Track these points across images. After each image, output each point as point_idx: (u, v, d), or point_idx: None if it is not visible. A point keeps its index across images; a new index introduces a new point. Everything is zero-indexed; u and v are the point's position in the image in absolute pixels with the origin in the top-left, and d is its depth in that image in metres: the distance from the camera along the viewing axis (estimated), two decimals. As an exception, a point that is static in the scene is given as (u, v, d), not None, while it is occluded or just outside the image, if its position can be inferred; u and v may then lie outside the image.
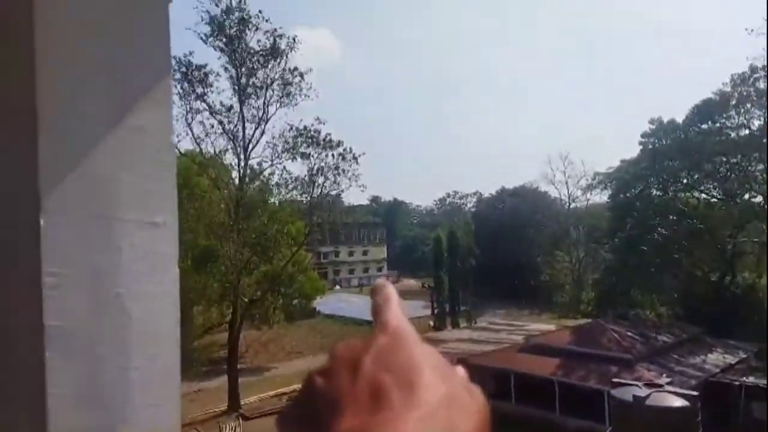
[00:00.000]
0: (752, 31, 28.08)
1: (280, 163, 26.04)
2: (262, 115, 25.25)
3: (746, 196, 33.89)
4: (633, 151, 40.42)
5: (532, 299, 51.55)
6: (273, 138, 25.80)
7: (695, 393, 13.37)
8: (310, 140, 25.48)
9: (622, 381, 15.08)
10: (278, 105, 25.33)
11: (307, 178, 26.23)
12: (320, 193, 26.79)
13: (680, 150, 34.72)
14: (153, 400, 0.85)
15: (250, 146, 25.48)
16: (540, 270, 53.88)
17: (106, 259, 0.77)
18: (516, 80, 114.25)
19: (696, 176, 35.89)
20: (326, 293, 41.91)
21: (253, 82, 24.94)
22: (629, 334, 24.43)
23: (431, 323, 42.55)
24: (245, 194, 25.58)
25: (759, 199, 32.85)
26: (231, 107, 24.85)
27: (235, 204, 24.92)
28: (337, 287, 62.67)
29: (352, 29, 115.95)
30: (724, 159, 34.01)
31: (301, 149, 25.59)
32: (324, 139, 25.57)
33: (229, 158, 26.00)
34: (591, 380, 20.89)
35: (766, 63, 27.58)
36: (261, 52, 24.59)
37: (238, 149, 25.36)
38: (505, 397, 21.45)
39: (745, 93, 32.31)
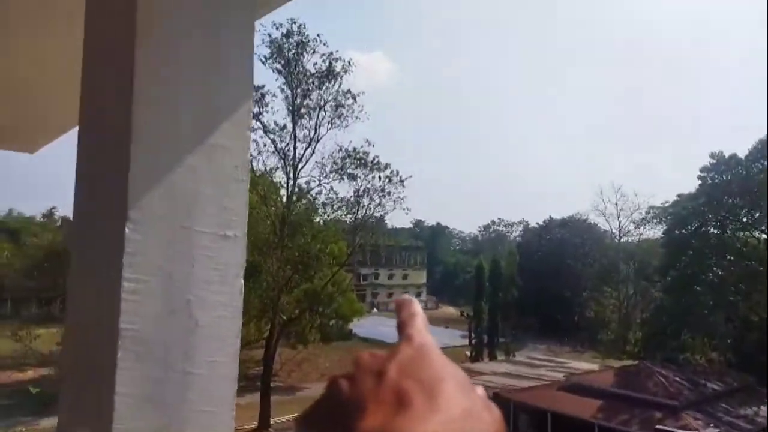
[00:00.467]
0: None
1: (328, 183, 26.48)
2: (314, 135, 25.85)
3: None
4: (691, 185, 39.08)
5: (575, 336, 49.90)
6: (322, 158, 26.33)
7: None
8: (358, 161, 25.83)
9: (667, 428, 14.35)
10: (329, 126, 25.88)
11: (352, 198, 26.53)
12: (365, 214, 27.00)
13: (741, 187, 33.31)
14: (210, 405, 0.88)
15: (300, 165, 26.05)
16: (585, 305, 52.19)
17: (180, 267, 0.82)
18: (568, 108, 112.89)
19: (757, 215, 34.28)
20: (364, 315, 41.83)
21: (307, 103, 25.62)
22: (677, 379, 23.28)
23: (468, 353, 41.75)
24: (292, 212, 26.04)
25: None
26: (284, 126, 25.57)
27: (281, 221, 25.38)
28: (375, 310, 62.48)
29: (405, 53, 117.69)
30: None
31: (349, 170, 25.96)
32: (372, 161, 25.88)
33: (279, 176, 26.63)
34: (633, 426, 19.95)
35: None
36: (317, 75, 25.30)
37: (288, 168, 25.96)
38: (542, 437, 20.73)
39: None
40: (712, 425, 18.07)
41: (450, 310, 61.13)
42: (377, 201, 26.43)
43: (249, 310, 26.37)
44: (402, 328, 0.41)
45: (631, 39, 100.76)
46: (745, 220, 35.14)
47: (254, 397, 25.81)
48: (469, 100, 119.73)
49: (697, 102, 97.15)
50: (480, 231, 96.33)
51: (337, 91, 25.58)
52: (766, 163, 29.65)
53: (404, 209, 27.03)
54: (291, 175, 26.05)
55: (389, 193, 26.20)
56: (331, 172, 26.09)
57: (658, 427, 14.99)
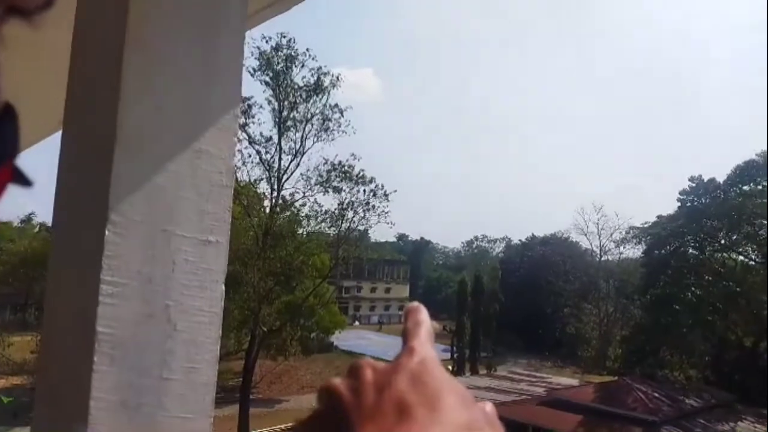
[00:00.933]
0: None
1: (312, 196, 26.42)
2: (299, 147, 25.83)
3: (787, 262, 32.75)
4: (670, 207, 39.73)
5: (556, 351, 50.10)
6: (307, 170, 26.28)
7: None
8: (343, 175, 25.85)
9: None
10: (315, 139, 25.90)
11: (337, 211, 26.50)
12: (348, 227, 26.97)
13: (719, 210, 33.94)
14: (187, 412, 0.88)
15: (285, 177, 25.98)
16: (566, 322, 52.47)
17: (160, 271, 0.82)
18: (552, 127, 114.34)
19: (734, 237, 34.91)
20: (345, 328, 41.57)
21: (294, 116, 25.62)
22: (656, 395, 23.46)
23: (450, 368, 41.65)
24: (275, 223, 25.90)
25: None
26: (270, 138, 25.51)
27: (264, 232, 25.22)
28: (357, 323, 62.14)
29: (393, 69, 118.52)
30: (765, 222, 33.08)
31: (334, 183, 25.95)
32: (357, 175, 25.91)
33: (263, 187, 26.52)
34: (613, 441, 20.03)
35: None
36: (305, 88, 25.36)
37: (273, 179, 25.87)
38: (522, 452, 20.68)
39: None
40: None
41: (433, 325, 60.82)
42: (361, 214, 26.46)
43: (229, 321, 26.05)
44: (406, 337, 0.41)
45: (621, 60, 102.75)
46: (723, 241, 35.75)
47: (233, 409, 25.42)
48: (455, 118, 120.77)
49: (686, 125, 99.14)
50: (463, 246, 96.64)
51: (325, 105, 25.68)
52: (766, 170, 30.11)
53: (388, 223, 27.07)
54: (275, 187, 25.97)
55: (373, 206, 26.24)
56: (315, 184, 26.08)
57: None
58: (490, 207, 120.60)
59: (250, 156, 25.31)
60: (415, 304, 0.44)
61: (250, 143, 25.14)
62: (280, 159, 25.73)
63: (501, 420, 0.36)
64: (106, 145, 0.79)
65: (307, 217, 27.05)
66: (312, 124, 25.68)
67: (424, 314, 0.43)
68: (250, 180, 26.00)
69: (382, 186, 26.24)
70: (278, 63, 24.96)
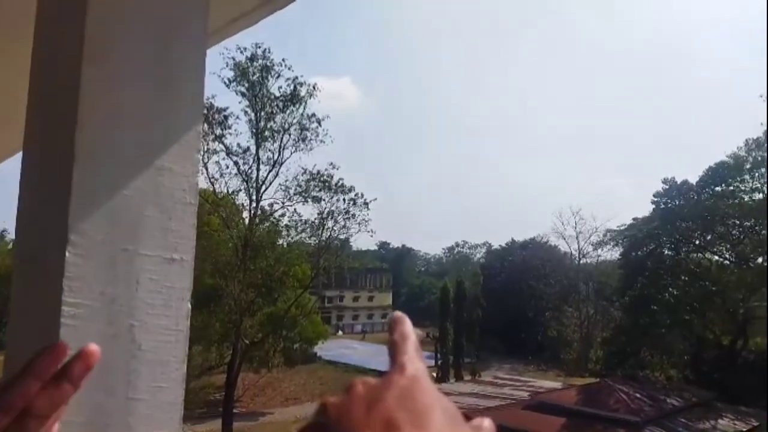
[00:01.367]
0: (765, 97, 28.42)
1: (291, 206, 26.33)
2: (277, 158, 25.75)
3: (759, 260, 33.50)
4: (645, 209, 40.43)
5: (539, 355, 50.46)
6: (286, 180, 26.21)
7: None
8: (322, 184, 25.82)
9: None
10: (293, 149, 25.85)
11: (317, 221, 26.44)
12: (329, 236, 26.91)
13: (693, 211, 34.64)
14: (154, 433, 0.87)
15: (263, 188, 25.85)
16: (548, 325, 52.94)
17: (123, 291, 0.81)
18: (530, 132, 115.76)
19: (708, 238, 35.63)
20: (328, 338, 41.33)
21: (271, 126, 25.55)
22: (638, 395, 23.73)
23: (434, 374, 41.65)
24: (254, 234, 25.73)
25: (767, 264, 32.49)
26: (247, 149, 25.40)
27: (243, 244, 25.03)
28: (340, 333, 61.84)
29: (371, 78, 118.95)
30: (737, 222, 33.83)
31: (313, 193, 25.92)
32: (336, 184, 25.90)
33: (242, 198, 26.34)
34: (597, 443, 20.19)
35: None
36: (281, 98, 25.32)
37: (251, 190, 25.72)
38: (508, 457, 20.71)
39: (759, 158, 32.45)
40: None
41: (416, 332, 60.94)
42: (342, 223, 26.45)
43: (210, 335, 25.74)
44: (394, 351, 0.41)
45: (599, 65, 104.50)
46: (697, 242, 36.45)
47: (216, 424, 25.04)
48: (434, 125, 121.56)
49: (665, 128, 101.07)
50: (444, 253, 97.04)
51: (302, 114, 25.66)
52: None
53: (369, 231, 27.09)
54: (254, 198, 25.82)
55: (354, 215, 26.26)
56: (295, 194, 26.01)
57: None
58: (470, 213, 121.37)
59: (227, 167, 25.20)
60: (399, 314, 0.44)
61: (227, 154, 25.03)
62: (258, 170, 25.63)
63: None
64: (65, 164, 0.78)
65: (287, 227, 26.96)
66: (289, 134, 25.66)
67: (408, 325, 0.43)
68: (228, 191, 25.86)
69: (362, 194, 26.30)
70: (254, 73, 24.91)
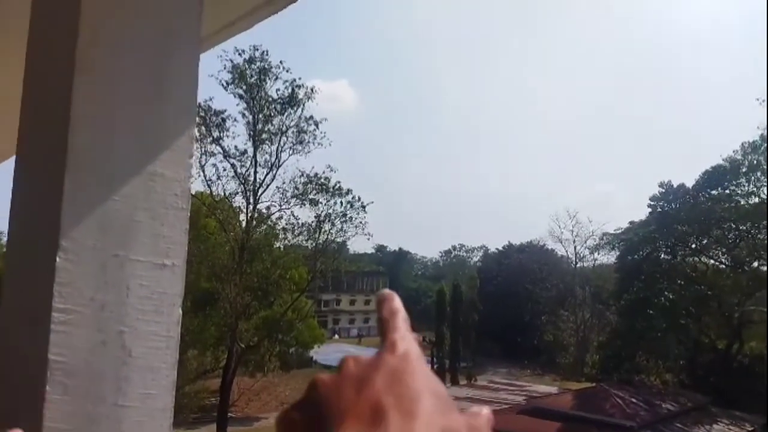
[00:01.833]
0: (762, 101, 28.58)
1: (289, 209, 26.27)
2: (275, 160, 25.71)
3: (755, 264, 33.59)
4: (641, 212, 40.53)
5: (535, 359, 50.44)
6: (283, 183, 26.15)
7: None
8: (319, 187, 25.79)
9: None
10: (291, 152, 25.81)
11: (314, 224, 26.38)
12: (326, 239, 26.85)
13: (689, 215, 34.73)
14: (145, 440, 0.86)
15: (260, 190, 25.79)
16: (544, 329, 52.94)
17: (114, 297, 0.81)
18: (527, 136, 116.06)
19: (704, 241, 35.71)
20: (325, 342, 41.24)
21: (269, 129, 25.51)
22: (633, 400, 23.74)
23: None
24: (251, 237, 25.67)
25: (767, 268, 32.55)
26: (245, 152, 25.35)
27: (240, 247, 24.95)
28: (336, 336, 61.73)
29: (369, 81, 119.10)
30: (733, 226, 33.93)
31: (311, 195, 25.87)
32: (333, 187, 25.88)
33: (239, 201, 26.28)
34: (593, 447, 20.18)
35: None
36: (279, 101, 25.30)
37: (248, 193, 25.67)
38: (504, 461, 20.70)
39: (755, 161, 32.56)
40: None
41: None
42: (339, 226, 26.39)
43: (206, 338, 25.64)
44: (384, 328, 0.41)
45: (596, 67, 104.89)
46: (694, 246, 36.53)
47: (210, 429, 24.93)
48: (431, 128, 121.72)
49: (662, 131, 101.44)
50: (441, 256, 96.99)
51: (300, 117, 25.64)
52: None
53: (366, 234, 27.04)
54: (251, 200, 25.76)
55: (351, 218, 26.20)
56: (292, 197, 25.96)
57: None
58: (467, 216, 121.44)
59: (224, 170, 25.13)
60: (387, 291, 0.44)
61: (224, 157, 24.98)
62: (255, 172, 25.59)
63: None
64: (57, 170, 0.78)
65: (284, 230, 26.87)
66: (287, 137, 25.62)
67: (397, 301, 0.43)
68: (225, 194, 25.78)
69: (359, 197, 26.26)
70: (252, 76, 24.89)
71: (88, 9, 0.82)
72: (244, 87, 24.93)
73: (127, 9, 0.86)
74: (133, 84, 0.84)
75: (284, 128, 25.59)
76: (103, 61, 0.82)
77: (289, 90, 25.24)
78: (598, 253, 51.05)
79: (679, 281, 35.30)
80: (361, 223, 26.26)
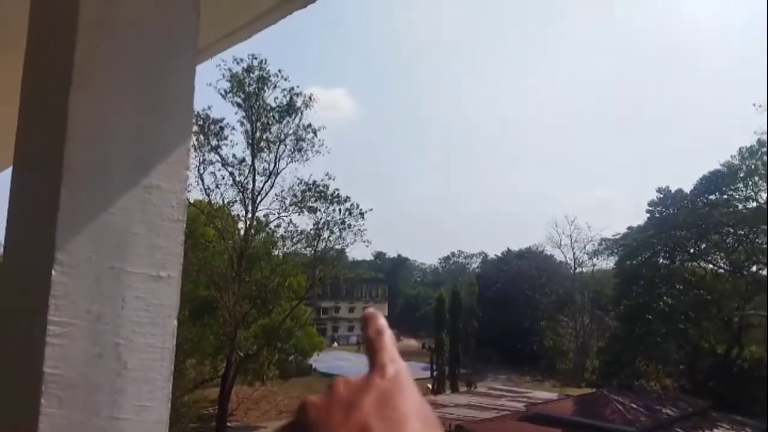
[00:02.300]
0: (760, 106, 28.71)
1: (287, 216, 26.27)
2: (273, 168, 25.75)
3: (753, 269, 33.64)
4: (640, 218, 40.58)
5: (535, 365, 50.34)
6: (282, 191, 26.17)
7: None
8: (318, 195, 25.81)
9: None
10: (289, 159, 25.86)
11: (312, 231, 26.38)
12: (325, 247, 26.84)
13: (687, 220, 34.78)
14: (141, 453, 0.86)
15: (259, 198, 25.81)
16: (544, 335, 52.89)
17: (109, 309, 0.81)
18: (525, 142, 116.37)
19: (703, 246, 35.77)
20: (324, 350, 41.12)
21: (267, 137, 25.56)
22: (633, 405, 23.69)
23: (429, 386, 41.44)
24: (250, 245, 25.64)
25: (766, 272, 32.58)
26: (243, 160, 25.39)
27: (239, 255, 24.92)
28: (335, 344, 61.57)
29: (367, 89, 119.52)
30: (732, 230, 33.99)
31: (309, 203, 25.88)
32: (332, 194, 25.90)
33: (237, 209, 26.28)
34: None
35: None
36: (277, 109, 25.37)
37: (247, 201, 25.68)
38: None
39: (752, 166, 32.67)
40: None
41: (412, 343, 60.81)
42: (337, 234, 26.40)
43: (205, 347, 25.54)
44: (371, 348, 0.41)
45: (594, 75, 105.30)
46: (692, 251, 36.58)
47: (209, 439, 24.81)
48: (429, 135, 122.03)
49: (660, 137, 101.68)
50: (440, 263, 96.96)
51: (298, 125, 25.70)
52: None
53: (365, 242, 27.04)
54: (249, 208, 25.76)
55: (349, 225, 26.22)
56: (290, 205, 25.97)
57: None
58: (465, 222, 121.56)
59: (223, 178, 25.17)
60: (371, 310, 0.44)
61: (223, 165, 25.01)
62: (254, 180, 25.62)
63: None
64: (53, 182, 0.78)
65: (283, 238, 26.87)
66: (285, 145, 25.68)
67: (382, 320, 0.43)
68: (223, 202, 25.78)
69: (358, 205, 26.29)
70: (250, 84, 24.98)
71: (85, 22, 0.83)
72: (243, 96, 25.02)
73: (124, 22, 0.86)
74: (130, 96, 0.85)
75: (282, 136, 25.67)
76: (100, 73, 0.83)
77: (288, 98, 25.34)
78: (597, 259, 51.17)
79: (678, 286, 35.32)
80: (359, 230, 26.30)
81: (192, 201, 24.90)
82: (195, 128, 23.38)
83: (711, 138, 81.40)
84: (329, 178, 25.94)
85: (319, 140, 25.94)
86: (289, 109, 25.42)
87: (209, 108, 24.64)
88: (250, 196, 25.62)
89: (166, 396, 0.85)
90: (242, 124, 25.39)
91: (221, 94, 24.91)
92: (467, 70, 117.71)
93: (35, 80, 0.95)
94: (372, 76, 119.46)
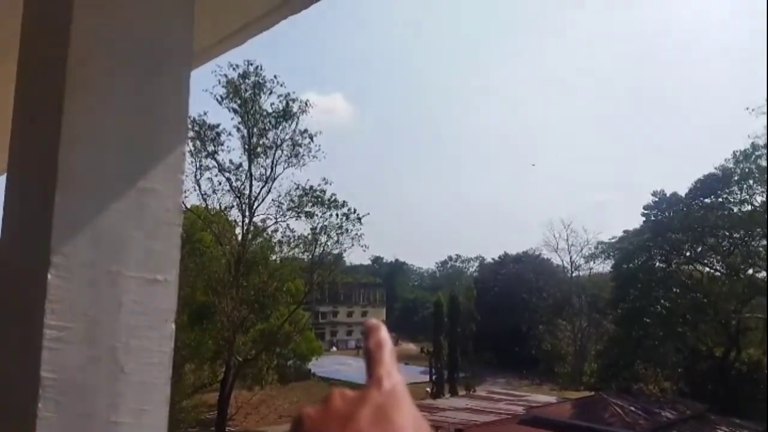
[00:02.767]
0: (753, 110, 28.86)
1: (284, 221, 26.25)
2: (270, 173, 25.73)
3: (750, 272, 33.72)
4: (636, 221, 40.66)
5: (533, 369, 50.32)
6: (279, 196, 26.14)
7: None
8: (315, 200, 25.80)
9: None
10: (286, 165, 25.85)
11: (310, 236, 26.35)
12: (322, 251, 26.82)
13: (683, 223, 34.88)
14: (138, 457, 0.85)
15: (256, 203, 25.78)
16: (542, 339, 52.89)
17: (106, 313, 0.81)
18: (521, 146, 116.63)
19: (699, 249, 35.85)
20: (322, 354, 41.03)
21: (263, 142, 25.56)
22: (632, 408, 23.69)
23: (428, 390, 41.37)
24: (247, 250, 25.61)
25: (763, 274, 32.65)
26: (240, 165, 25.37)
27: (236, 260, 24.88)
28: (334, 348, 61.43)
29: (363, 94, 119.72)
30: (727, 233, 34.09)
31: (306, 208, 25.87)
32: (329, 199, 25.88)
33: (234, 214, 26.25)
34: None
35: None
36: (273, 114, 25.37)
37: (244, 206, 25.65)
38: (504, 472, 20.58)
39: (747, 169, 32.80)
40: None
41: (410, 347, 60.73)
42: (335, 238, 26.36)
43: (203, 352, 25.46)
44: (370, 361, 0.40)
45: (591, 78, 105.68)
46: (688, 254, 36.65)
47: (207, 445, 24.70)
48: (425, 140, 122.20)
49: (655, 140, 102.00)
50: (438, 267, 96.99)
51: (294, 130, 25.71)
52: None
53: (362, 246, 27.01)
54: (246, 214, 25.73)
55: (347, 230, 26.19)
56: (287, 210, 25.94)
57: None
58: (462, 226, 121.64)
59: (220, 183, 25.13)
60: (374, 321, 0.44)
61: (219, 171, 24.99)
62: (250, 185, 25.59)
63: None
64: (48, 186, 0.78)
65: (280, 242, 26.82)
66: (282, 150, 25.67)
67: (384, 333, 0.42)
68: (220, 207, 25.74)
69: (355, 209, 26.27)
70: (246, 90, 24.99)
71: (79, 27, 0.83)
72: (239, 101, 25.02)
73: (118, 26, 0.86)
74: (124, 100, 0.85)
75: (279, 142, 25.66)
76: (94, 78, 0.83)
77: (284, 104, 25.35)
78: (594, 262, 51.25)
79: (674, 289, 35.39)
80: (357, 234, 26.27)
81: (189, 206, 24.87)
82: (191, 134, 23.40)
83: (706, 141, 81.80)
84: (326, 183, 25.96)
85: (316, 145, 25.96)
86: (285, 114, 25.44)
87: (205, 114, 24.65)
88: (247, 201, 25.61)
89: (164, 400, 0.85)
90: (238, 129, 25.40)
91: (217, 99, 24.92)
92: (463, 76, 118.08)
93: (29, 86, 0.95)
94: (368, 81, 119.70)
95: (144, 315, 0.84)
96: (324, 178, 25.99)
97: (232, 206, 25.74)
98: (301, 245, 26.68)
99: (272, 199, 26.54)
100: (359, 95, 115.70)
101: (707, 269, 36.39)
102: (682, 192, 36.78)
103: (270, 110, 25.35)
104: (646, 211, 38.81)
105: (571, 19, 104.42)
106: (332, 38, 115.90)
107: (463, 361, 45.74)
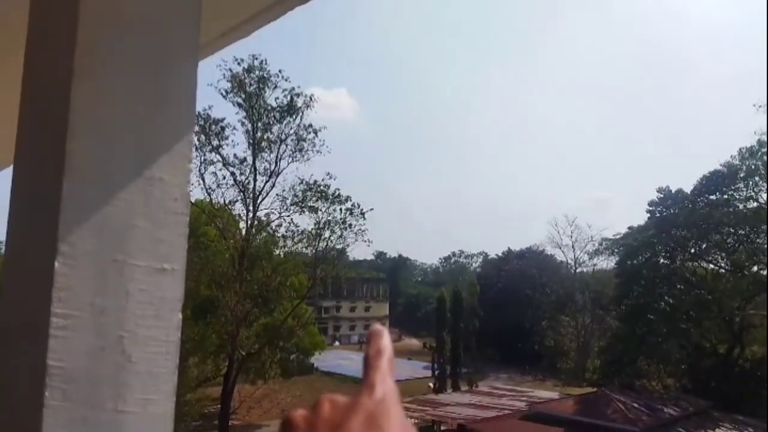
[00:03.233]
0: (760, 107, 28.68)
1: (288, 216, 26.28)
2: (274, 168, 25.75)
3: (754, 269, 33.59)
4: (640, 218, 40.52)
5: (536, 364, 50.34)
6: (283, 191, 26.18)
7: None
8: (319, 194, 25.82)
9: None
10: (290, 159, 25.85)
11: (313, 231, 26.38)
12: (326, 246, 26.85)
13: (688, 220, 34.74)
14: (144, 447, 0.85)
15: (260, 198, 25.81)
16: (545, 335, 52.88)
17: (113, 302, 0.80)
18: (525, 142, 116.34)
19: (704, 246, 35.72)
20: (325, 349, 41.14)
21: (268, 137, 25.56)
22: (635, 405, 23.68)
23: (431, 385, 41.45)
24: (251, 245, 25.66)
25: (767, 272, 32.55)
26: (244, 159, 25.38)
27: (240, 254, 24.94)
28: (337, 343, 61.59)
29: (367, 90, 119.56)
30: (732, 230, 33.96)
31: (310, 203, 25.89)
32: (333, 194, 25.90)
33: (238, 209, 26.29)
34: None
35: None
36: (278, 109, 25.36)
37: (248, 200, 25.68)
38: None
39: (753, 166, 32.63)
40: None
41: (413, 342, 60.83)
42: (338, 233, 26.41)
43: (207, 346, 25.57)
44: (366, 367, 0.40)
45: (593, 75, 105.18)
46: (693, 251, 36.53)
47: (211, 438, 24.84)
48: (429, 135, 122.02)
49: (659, 137, 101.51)
50: (441, 262, 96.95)
51: (299, 125, 25.70)
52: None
53: (366, 241, 27.05)
54: (251, 208, 25.77)
55: (350, 225, 26.22)
56: (291, 204, 25.98)
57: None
58: (466, 222, 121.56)
59: (224, 178, 25.17)
60: (377, 327, 0.44)
61: (224, 165, 25.01)
62: (255, 180, 25.62)
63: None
64: (55, 176, 0.78)
65: (284, 237, 26.88)
66: (286, 145, 25.68)
67: (386, 339, 0.42)
68: (224, 202, 25.79)
69: (359, 204, 26.29)
70: (251, 85, 24.98)
71: (86, 17, 0.83)
72: (243, 96, 25.02)
73: (126, 16, 0.86)
74: (132, 89, 0.85)
75: (283, 136, 25.67)
76: (101, 68, 0.82)
77: (288, 98, 25.34)
78: (598, 259, 51.21)
79: (679, 286, 35.29)
80: (360, 229, 26.30)
81: (193, 200, 24.91)
82: (196, 128, 23.33)
83: (711, 138, 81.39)
84: (330, 178, 25.98)
85: (320, 140, 25.96)
86: (290, 109, 25.43)
87: (210, 108, 24.67)
88: (251, 195, 25.64)
89: (171, 389, 0.85)
90: (243, 124, 25.41)
91: (222, 94, 24.92)
92: (468, 72, 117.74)
93: (36, 75, 0.95)
94: (373, 77, 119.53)
95: (151, 304, 0.84)
96: (328, 173, 26.04)
97: (236, 200, 25.79)
98: (304, 240, 26.74)
99: (276, 194, 26.58)
100: (363, 91, 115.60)
101: (711, 266, 36.28)
102: (688, 189, 36.64)
103: (275, 105, 25.37)
104: (651, 208, 38.65)
105: (571, 18, 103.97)
106: (337, 33, 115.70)
107: (465, 357, 45.81)
